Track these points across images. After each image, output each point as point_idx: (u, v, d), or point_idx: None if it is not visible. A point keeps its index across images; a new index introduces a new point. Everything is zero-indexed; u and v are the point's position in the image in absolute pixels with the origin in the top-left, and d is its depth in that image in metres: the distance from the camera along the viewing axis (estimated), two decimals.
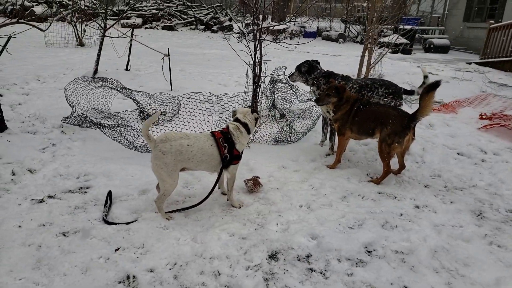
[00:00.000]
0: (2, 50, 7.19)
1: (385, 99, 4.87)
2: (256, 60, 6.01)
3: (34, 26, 4.61)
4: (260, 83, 6.10)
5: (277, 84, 6.01)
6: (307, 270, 2.79)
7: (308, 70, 5.04)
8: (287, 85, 6.10)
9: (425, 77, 5.16)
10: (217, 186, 3.81)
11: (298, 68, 5.15)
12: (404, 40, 15.77)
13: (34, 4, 19.50)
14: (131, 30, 9.00)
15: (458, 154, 5.07)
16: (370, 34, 9.12)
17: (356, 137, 4.46)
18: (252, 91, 6.09)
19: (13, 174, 3.96)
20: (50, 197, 3.59)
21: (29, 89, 7.02)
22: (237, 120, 3.52)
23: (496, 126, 6.00)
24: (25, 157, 4.24)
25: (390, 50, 10.36)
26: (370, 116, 4.19)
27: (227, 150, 3.35)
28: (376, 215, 3.49)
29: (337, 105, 4.38)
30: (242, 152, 3.52)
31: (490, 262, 2.97)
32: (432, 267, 2.87)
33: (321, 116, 5.27)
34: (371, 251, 3.02)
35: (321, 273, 2.78)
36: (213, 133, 3.41)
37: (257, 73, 6.05)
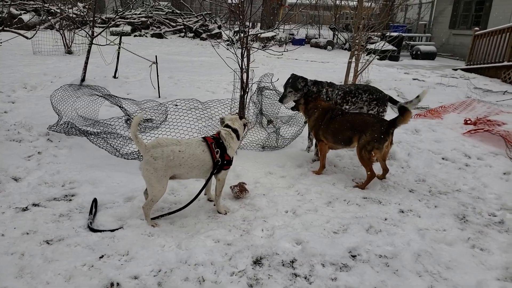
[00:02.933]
0: None
1: (369, 105, 4.94)
2: (243, 67, 6.07)
3: (19, 34, 4.60)
4: (247, 90, 6.14)
5: (264, 91, 6.06)
6: (291, 275, 2.80)
7: (305, 85, 4.89)
8: (274, 91, 6.15)
9: (417, 96, 5.19)
10: (203, 192, 3.83)
11: (293, 86, 4.85)
12: (391, 47, 16.03)
13: (22, 12, 19.37)
14: (119, 37, 9.01)
15: (443, 159, 5.16)
16: (357, 40, 9.25)
17: (332, 147, 4.51)
18: (239, 98, 6.14)
19: None
20: (34, 205, 3.55)
21: (16, 97, 6.96)
22: (227, 126, 3.55)
23: (480, 131, 6.12)
24: (10, 165, 4.20)
25: (377, 57, 10.50)
26: (345, 125, 4.25)
27: (219, 155, 3.37)
28: (361, 219, 3.53)
29: (307, 113, 4.50)
30: (232, 158, 3.54)
31: (472, 265, 3.02)
32: (415, 270, 2.91)
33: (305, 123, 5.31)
34: (355, 256, 3.04)
35: (305, 278, 2.79)
36: (205, 139, 3.43)
37: (244, 80, 6.11)
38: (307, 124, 5.34)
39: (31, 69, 9.52)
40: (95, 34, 7.95)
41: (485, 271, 2.96)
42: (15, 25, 16.52)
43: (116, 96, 5.66)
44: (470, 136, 6.02)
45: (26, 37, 4.57)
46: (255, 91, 6.09)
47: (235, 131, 3.51)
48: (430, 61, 17.57)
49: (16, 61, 10.39)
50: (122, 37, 19.21)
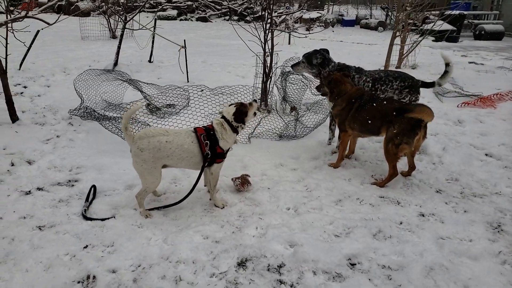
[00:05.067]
0: (32, 43, 7.50)
1: (400, 94, 4.41)
2: (267, 50, 5.74)
3: (41, 20, 4.66)
4: (270, 75, 5.81)
5: (289, 76, 5.68)
6: (276, 282, 2.53)
7: (322, 63, 4.52)
8: (300, 76, 5.76)
9: (447, 65, 4.57)
10: (203, 184, 3.64)
11: (308, 59, 4.60)
12: (449, 27, 14.63)
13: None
14: (154, 22, 9.01)
15: (486, 155, 4.49)
16: (401, 20, 8.46)
17: (359, 135, 4.08)
18: (261, 83, 5.83)
19: (12, 164, 4.02)
20: (38, 189, 3.58)
21: (53, 81, 7.23)
22: (223, 116, 3.30)
23: None
24: (27, 148, 4.31)
25: (424, 38, 9.54)
26: (374, 113, 3.77)
27: (209, 147, 3.14)
28: (370, 222, 3.13)
29: (334, 99, 4.03)
30: (227, 151, 3.29)
31: (499, 285, 2.54)
32: (423, 287, 2.51)
33: (329, 111, 4.87)
34: (355, 264, 2.69)
35: (291, 286, 2.51)
36: (195, 129, 3.22)
37: (268, 65, 5.78)
38: (329, 113, 4.94)
39: (74, 53, 9.89)
40: (128, 19, 8.00)
41: None
42: (72, 12, 17.33)
43: (138, 81, 5.63)
44: None
45: (48, 23, 4.60)
46: (279, 76, 5.75)
47: (229, 122, 3.23)
48: (496, 42, 15.81)
49: (64, 46, 10.86)
50: (167, 21, 19.38)
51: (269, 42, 5.71)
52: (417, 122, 3.57)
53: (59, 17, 4.94)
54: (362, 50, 12.21)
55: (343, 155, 4.18)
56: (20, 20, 4.53)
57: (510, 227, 3.16)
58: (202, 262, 2.69)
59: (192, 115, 4.89)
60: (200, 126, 3.28)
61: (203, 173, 3.28)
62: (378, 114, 3.77)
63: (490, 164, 4.26)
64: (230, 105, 3.34)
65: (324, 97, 4.60)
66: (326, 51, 4.69)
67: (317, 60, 4.52)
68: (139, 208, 3.23)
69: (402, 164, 4.12)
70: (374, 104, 3.83)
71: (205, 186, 3.64)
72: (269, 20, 5.70)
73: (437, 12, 13.55)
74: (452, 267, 2.67)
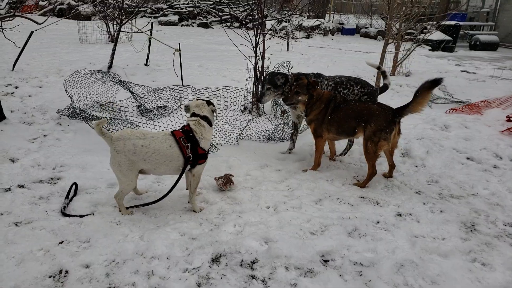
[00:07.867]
0: (25, 44, 7.58)
1: (360, 99, 4.47)
2: (258, 54, 5.81)
3: (30, 19, 4.74)
4: (262, 79, 5.87)
5: None
6: (248, 277, 2.56)
7: (285, 81, 4.36)
8: None
9: (379, 68, 4.84)
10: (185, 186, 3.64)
11: (272, 83, 4.35)
12: (444, 37, 14.75)
13: (80, 3, 20.53)
14: (150, 25, 9.11)
15: (468, 158, 4.54)
16: (395, 28, 8.56)
17: (335, 138, 4.12)
18: (252, 86, 5.90)
19: None
20: (19, 186, 3.60)
21: (46, 82, 7.27)
22: (194, 114, 3.30)
23: None
24: (12, 147, 4.34)
25: (417, 46, 9.65)
26: (349, 114, 3.84)
27: (189, 149, 3.12)
28: (347, 221, 3.16)
29: (309, 105, 4.05)
30: (208, 150, 3.31)
31: (466, 281, 2.57)
32: (392, 283, 2.53)
33: (291, 121, 4.73)
34: (328, 261, 2.72)
35: (262, 281, 2.53)
36: (173, 133, 3.19)
37: (259, 68, 5.85)
38: (291, 123, 4.76)
39: (71, 56, 9.98)
40: (123, 22, 8.10)
41: None
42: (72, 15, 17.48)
43: (130, 82, 5.69)
44: (509, 134, 5.26)
45: (37, 22, 4.68)
46: None
47: (204, 118, 3.24)
48: (491, 52, 15.90)
49: (60, 49, 10.95)
50: (169, 26, 19.46)
51: (261, 46, 5.79)
52: (392, 118, 3.65)
53: (47, 18, 5.02)
54: (358, 57, 12.27)
55: (320, 161, 4.17)
56: (11, 19, 4.60)
57: (483, 227, 3.20)
58: (176, 258, 2.71)
59: (181, 117, 4.92)
60: (177, 129, 3.29)
61: (185, 176, 3.31)
62: (353, 114, 3.83)
63: (470, 167, 4.31)
64: (197, 100, 3.38)
65: (289, 105, 4.33)
66: (273, 72, 4.56)
67: (280, 81, 4.35)
68: (119, 207, 3.24)
69: (385, 166, 4.17)
70: (349, 105, 3.90)
71: (186, 189, 3.61)
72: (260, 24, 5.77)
73: (434, 22, 13.70)
74: (421, 263, 2.70)
